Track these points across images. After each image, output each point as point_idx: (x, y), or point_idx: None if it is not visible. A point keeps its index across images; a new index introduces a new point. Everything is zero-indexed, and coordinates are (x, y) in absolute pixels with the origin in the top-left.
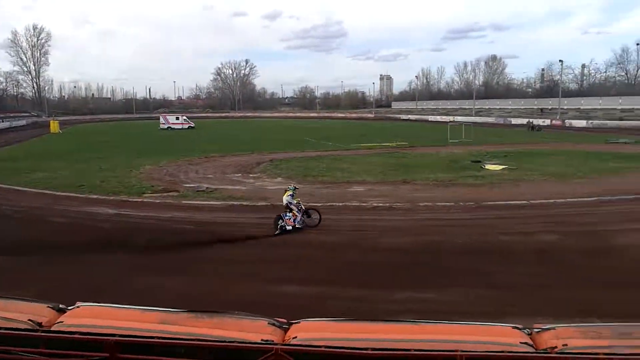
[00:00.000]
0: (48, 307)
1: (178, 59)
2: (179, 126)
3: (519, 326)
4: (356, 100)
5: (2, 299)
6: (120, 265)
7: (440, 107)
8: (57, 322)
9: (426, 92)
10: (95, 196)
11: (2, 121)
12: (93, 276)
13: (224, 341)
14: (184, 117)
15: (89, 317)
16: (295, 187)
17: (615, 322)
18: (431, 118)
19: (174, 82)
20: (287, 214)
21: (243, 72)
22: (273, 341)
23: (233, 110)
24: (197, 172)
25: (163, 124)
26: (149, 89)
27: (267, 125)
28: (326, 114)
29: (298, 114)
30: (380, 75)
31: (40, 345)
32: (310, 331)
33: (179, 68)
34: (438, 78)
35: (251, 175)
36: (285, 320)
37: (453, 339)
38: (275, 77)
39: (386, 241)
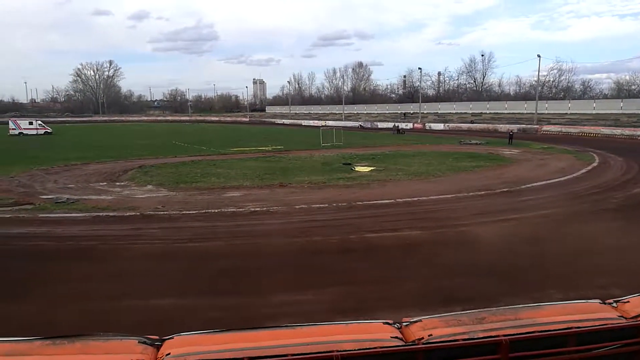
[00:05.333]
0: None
1: (28, 57)
2: (33, 131)
3: (390, 321)
4: (230, 104)
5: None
6: None
7: (312, 111)
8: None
9: (298, 96)
10: None
11: None
12: None
13: None
14: (39, 122)
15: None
16: None
17: (474, 309)
18: (304, 122)
19: (25, 83)
20: None
21: (107, 73)
22: None
23: (97, 114)
24: (55, 182)
25: (13, 129)
26: None
27: (136, 130)
28: (199, 118)
29: (169, 118)
30: (254, 79)
31: None
32: (184, 346)
33: (29, 68)
34: (309, 84)
35: (118, 183)
36: (157, 337)
37: (328, 340)
38: (143, 80)
39: (264, 245)
